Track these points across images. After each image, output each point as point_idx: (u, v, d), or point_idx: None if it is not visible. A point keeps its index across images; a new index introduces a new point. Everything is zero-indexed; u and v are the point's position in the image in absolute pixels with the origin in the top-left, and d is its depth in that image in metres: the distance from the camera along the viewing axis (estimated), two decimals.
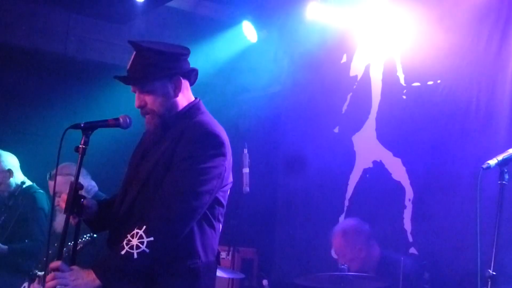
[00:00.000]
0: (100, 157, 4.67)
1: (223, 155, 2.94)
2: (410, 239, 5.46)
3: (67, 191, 4.43)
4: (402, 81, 5.79)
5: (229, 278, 6.00)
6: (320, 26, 6.43)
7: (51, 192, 4.62)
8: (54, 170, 4.60)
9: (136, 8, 6.50)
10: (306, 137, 6.68)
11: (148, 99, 3.00)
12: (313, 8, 6.24)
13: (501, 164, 2.98)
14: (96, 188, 5.02)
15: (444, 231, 5.15)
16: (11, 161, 5.57)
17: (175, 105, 3.04)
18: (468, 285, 4.00)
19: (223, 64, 7.23)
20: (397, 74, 5.83)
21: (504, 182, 2.98)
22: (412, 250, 5.38)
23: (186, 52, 3.09)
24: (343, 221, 5.10)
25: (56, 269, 2.78)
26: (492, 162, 2.97)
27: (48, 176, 4.79)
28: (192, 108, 3.07)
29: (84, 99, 6.59)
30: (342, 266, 4.66)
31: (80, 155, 2.93)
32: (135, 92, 3.05)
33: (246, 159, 5.87)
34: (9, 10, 6.35)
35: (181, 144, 2.90)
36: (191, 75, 3.11)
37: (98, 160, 4.71)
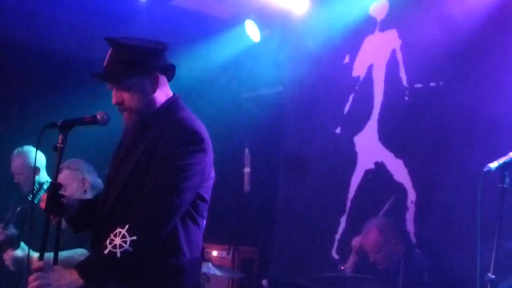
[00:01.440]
0: (82, 156, 4.66)
1: (204, 151, 2.93)
2: (414, 240, 5.45)
3: (73, 185, 4.50)
4: (404, 82, 5.78)
5: (229, 278, 6.01)
6: (323, 26, 6.42)
7: None
8: (61, 164, 4.66)
9: (139, 6, 6.50)
10: (308, 137, 6.67)
11: (126, 96, 2.99)
12: (314, 8, 6.24)
13: (502, 167, 2.97)
14: (102, 185, 5.04)
15: (446, 233, 5.14)
16: (40, 158, 5.53)
17: (153, 101, 3.03)
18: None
19: (225, 63, 7.23)
20: (400, 75, 5.82)
21: (504, 185, 2.96)
22: (417, 250, 5.37)
23: (163, 48, 3.07)
24: (371, 220, 5.07)
25: (39, 269, 2.76)
26: (493, 165, 2.96)
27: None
28: (171, 105, 3.06)
29: (87, 97, 6.60)
30: (343, 268, 4.66)
31: (58, 154, 2.90)
32: (112, 89, 3.03)
33: (248, 159, 5.88)
34: (13, 8, 6.35)
35: (161, 142, 2.90)
36: (169, 70, 3.10)
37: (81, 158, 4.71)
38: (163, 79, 3.07)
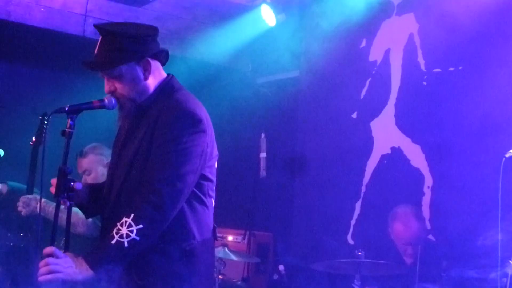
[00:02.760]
0: (87, 142, 4.70)
1: (203, 131, 2.91)
2: (428, 226, 5.42)
3: (98, 170, 4.57)
4: (422, 67, 5.73)
5: (244, 262, 6.02)
6: (339, 10, 6.36)
7: (80, 171, 4.68)
8: (85, 148, 4.71)
9: None
10: (324, 122, 6.64)
11: (118, 84, 2.96)
12: None
13: None
14: None
15: (463, 219, 5.11)
16: None
17: (146, 88, 3.00)
18: (486, 275, 3.95)
19: (241, 48, 7.18)
20: (418, 59, 5.76)
21: None
22: (430, 237, 5.35)
23: (153, 33, 3.02)
24: (405, 206, 5.07)
25: (50, 255, 2.76)
26: None
27: (78, 154, 4.83)
28: (165, 87, 3.03)
29: (102, 81, 6.59)
30: (359, 253, 4.64)
31: (66, 139, 2.88)
32: (103, 78, 2.99)
33: (264, 144, 5.88)
34: None
35: (159, 126, 2.88)
36: (161, 55, 3.06)
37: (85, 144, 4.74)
38: (155, 64, 3.03)
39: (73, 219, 3.39)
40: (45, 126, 4.85)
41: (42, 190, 2.98)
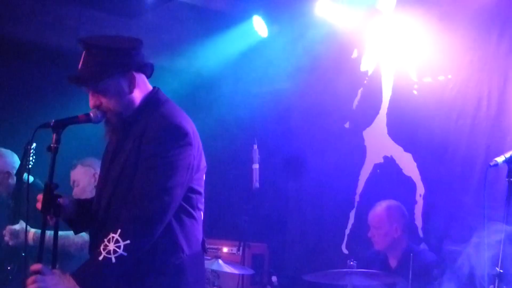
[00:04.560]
0: (73, 157, 4.73)
1: (189, 144, 2.88)
2: (421, 234, 5.43)
3: (84, 180, 4.61)
4: (413, 76, 5.75)
5: (239, 274, 6.00)
6: (331, 21, 6.39)
7: (71, 182, 4.69)
8: (76, 161, 4.74)
9: (146, 2, 6.49)
10: (317, 132, 6.65)
11: (103, 98, 2.92)
12: (323, 4, 6.22)
13: (509, 161, 2.96)
14: None
15: (455, 227, 5.12)
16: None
17: (131, 101, 2.97)
18: (476, 282, 3.96)
19: (233, 59, 7.21)
20: (408, 69, 5.79)
21: (511, 179, 2.95)
22: (423, 245, 5.36)
23: (137, 46, 2.99)
24: (387, 200, 5.13)
25: (37, 272, 2.74)
26: (500, 159, 2.95)
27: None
28: (151, 100, 3.00)
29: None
30: (352, 263, 4.65)
31: (52, 154, 2.86)
32: (88, 92, 2.96)
33: (256, 155, 5.86)
34: (20, 5, 6.35)
35: (145, 140, 2.85)
36: (146, 68, 3.03)
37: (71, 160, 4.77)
38: (140, 77, 3.00)
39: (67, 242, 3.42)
40: (30, 154, 4.84)
41: (28, 220, 2.95)
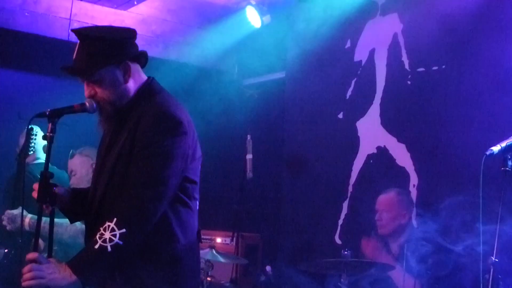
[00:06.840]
0: (71, 147, 4.73)
1: (183, 133, 2.89)
2: (415, 225, 5.45)
3: (82, 170, 4.61)
4: (406, 66, 5.76)
5: (233, 264, 6.02)
6: (324, 11, 6.39)
7: (68, 171, 4.71)
8: (74, 150, 4.74)
9: None
10: (310, 123, 6.66)
11: (98, 88, 2.93)
12: None
13: (504, 150, 2.97)
14: None
15: (449, 217, 5.14)
16: None
17: (126, 91, 2.97)
18: (471, 272, 3.99)
19: (227, 50, 7.20)
20: (402, 59, 5.80)
21: (507, 168, 2.96)
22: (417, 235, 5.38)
23: (131, 36, 3.01)
24: (398, 188, 5.16)
25: (33, 261, 2.75)
26: (496, 148, 2.96)
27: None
28: (146, 90, 3.01)
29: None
30: (345, 253, 4.65)
31: (48, 143, 2.87)
32: (83, 83, 2.97)
33: (250, 145, 5.88)
34: None
35: (140, 130, 2.86)
36: (140, 58, 3.04)
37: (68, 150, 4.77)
38: (135, 67, 3.01)
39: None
40: (31, 139, 4.87)
41: (23, 206, 2.95)
